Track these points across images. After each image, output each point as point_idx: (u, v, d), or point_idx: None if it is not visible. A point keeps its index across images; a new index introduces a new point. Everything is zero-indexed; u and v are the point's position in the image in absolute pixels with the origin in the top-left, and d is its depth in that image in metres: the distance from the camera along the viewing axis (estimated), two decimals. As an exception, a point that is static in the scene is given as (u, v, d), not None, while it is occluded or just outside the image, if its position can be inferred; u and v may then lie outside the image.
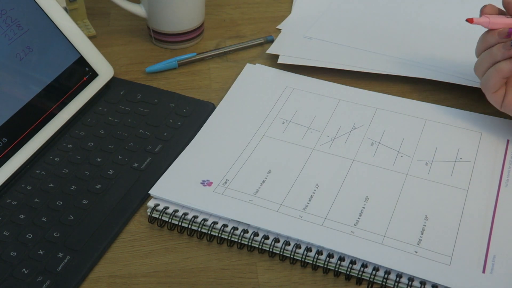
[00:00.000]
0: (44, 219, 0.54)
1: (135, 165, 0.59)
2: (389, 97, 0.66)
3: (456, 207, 0.54)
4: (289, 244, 0.51)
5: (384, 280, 0.48)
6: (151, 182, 0.56)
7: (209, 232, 0.53)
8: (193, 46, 0.76)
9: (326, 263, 0.50)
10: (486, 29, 0.58)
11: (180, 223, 0.54)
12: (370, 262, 0.49)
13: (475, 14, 0.61)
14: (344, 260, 0.50)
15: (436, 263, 0.49)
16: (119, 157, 0.59)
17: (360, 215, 0.53)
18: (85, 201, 0.55)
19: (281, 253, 0.51)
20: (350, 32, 0.75)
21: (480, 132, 0.61)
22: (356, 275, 0.49)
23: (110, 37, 0.78)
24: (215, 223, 0.53)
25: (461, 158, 0.58)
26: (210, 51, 0.74)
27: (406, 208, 0.54)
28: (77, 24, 0.69)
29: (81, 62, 0.65)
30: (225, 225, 0.53)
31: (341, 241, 0.51)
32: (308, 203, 0.54)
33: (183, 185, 0.56)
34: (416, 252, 0.50)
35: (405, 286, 0.48)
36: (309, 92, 0.67)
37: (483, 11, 0.58)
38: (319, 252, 0.50)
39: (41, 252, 0.51)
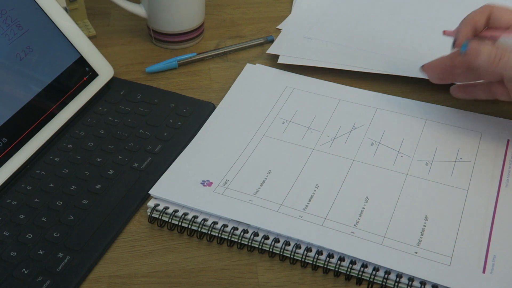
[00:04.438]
0: (44, 219, 0.54)
1: (135, 165, 0.59)
2: (389, 97, 0.66)
3: (456, 207, 0.54)
4: (289, 244, 0.51)
5: (384, 280, 0.48)
6: (151, 182, 0.56)
7: (209, 232, 0.53)
8: (193, 46, 0.76)
9: (326, 263, 0.50)
10: None
11: (180, 223, 0.54)
12: (370, 262, 0.49)
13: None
14: (344, 260, 0.50)
15: (436, 263, 0.49)
16: (119, 157, 0.59)
17: (360, 216, 0.53)
18: (85, 201, 0.55)
19: (281, 253, 0.51)
20: (350, 32, 0.75)
21: (480, 132, 0.61)
22: (356, 275, 0.49)
23: (110, 37, 0.78)
24: (215, 223, 0.53)
25: (461, 158, 0.58)
26: (210, 51, 0.74)
27: (406, 208, 0.54)
28: (77, 24, 0.69)
29: (81, 62, 0.65)
30: (225, 225, 0.53)
31: (341, 241, 0.51)
32: (308, 203, 0.54)
33: (183, 185, 0.56)
34: (416, 252, 0.50)
35: (405, 286, 0.48)
36: (309, 92, 0.67)
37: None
38: (319, 252, 0.50)
39: (41, 252, 0.51)
